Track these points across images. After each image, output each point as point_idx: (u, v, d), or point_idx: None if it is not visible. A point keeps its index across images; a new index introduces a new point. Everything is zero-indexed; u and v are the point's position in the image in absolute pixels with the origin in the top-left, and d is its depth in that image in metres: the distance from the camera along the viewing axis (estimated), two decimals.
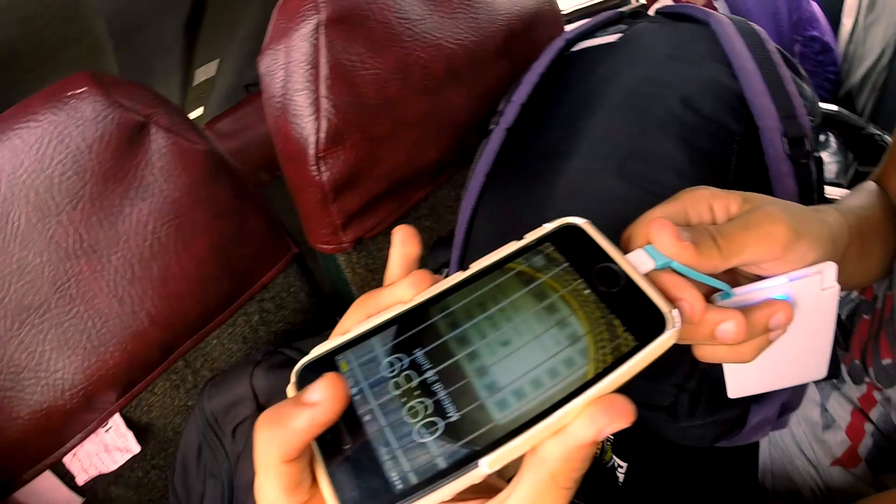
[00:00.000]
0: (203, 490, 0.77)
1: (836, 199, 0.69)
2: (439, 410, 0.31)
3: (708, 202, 0.42)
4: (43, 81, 1.34)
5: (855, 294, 0.75)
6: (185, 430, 0.80)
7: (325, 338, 0.84)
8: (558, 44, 0.81)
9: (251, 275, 0.83)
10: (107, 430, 0.77)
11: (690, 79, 0.67)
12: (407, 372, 0.33)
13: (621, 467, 0.71)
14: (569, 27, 0.87)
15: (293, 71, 0.73)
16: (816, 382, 0.72)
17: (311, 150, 0.74)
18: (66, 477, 0.79)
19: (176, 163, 0.73)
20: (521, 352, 0.33)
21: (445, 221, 0.94)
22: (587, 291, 0.35)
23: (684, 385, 0.62)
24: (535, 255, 0.36)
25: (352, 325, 0.35)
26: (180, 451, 0.80)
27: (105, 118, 0.69)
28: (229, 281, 0.80)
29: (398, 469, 0.30)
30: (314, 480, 0.32)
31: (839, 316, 0.67)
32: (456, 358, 0.33)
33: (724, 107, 0.65)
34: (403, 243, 0.38)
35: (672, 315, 0.34)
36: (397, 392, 0.32)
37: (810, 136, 0.63)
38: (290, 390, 0.33)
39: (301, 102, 0.73)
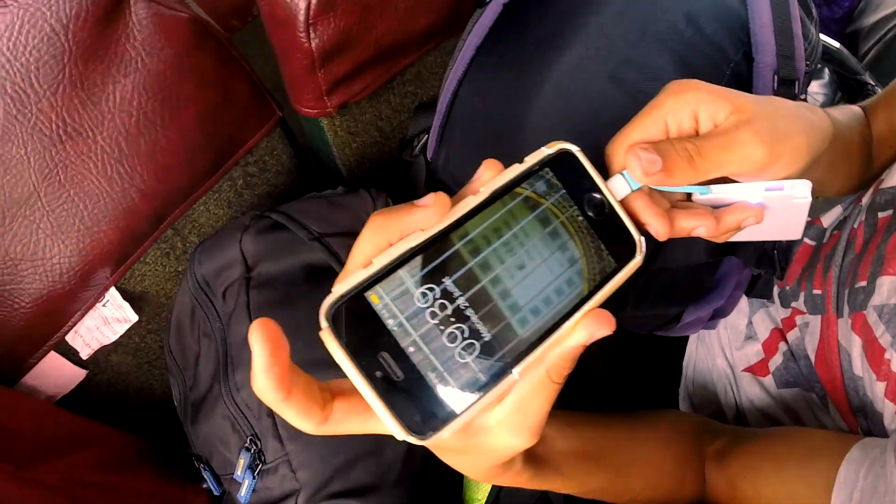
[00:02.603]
0: (198, 349, 0.84)
1: None
2: (474, 333, 0.37)
3: (692, 110, 0.45)
4: None
5: None
6: (178, 294, 0.86)
7: (307, 201, 0.87)
8: None
9: (236, 141, 0.85)
10: (104, 305, 0.83)
11: None
12: (440, 301, 0.37)
13: None
14: None
15: None
16: (749, 298, 0.84)
17: (302, 17, 0.75)
18: (70, 353, 0.85)
19: (158, 34, 0.72)
20: (534, 274, 0.39)
21: (429, 87, 0.98)
22: (580, 218, 0.42)
23: (635, 281, 0.73)
24: (537, 179, 0.41)
25: (370, 251, 0.37)
26: (174, 314, 0.86)
27: None
28: (215, 148, 0.83)
29: (448, 389, 0.36)
30: (329, 399, 0.36)
31: (780, 244, 0.78)
32: (482, 283, 0.38)
33: (726, 31, 0.68)
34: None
35: (640, 242, 0.43)
36: (434, 321, 0.36)
37: (801, 81, 0.68)
38: (325, 335, 0.34)
39: None
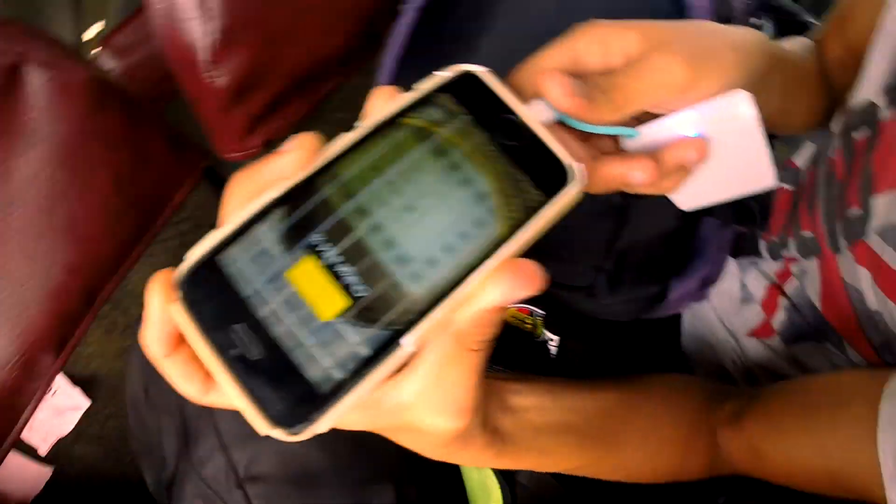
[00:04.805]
0: (159, 426, 0.83)
1: None
2: (349, 294, 0.32)
3: (604, 42, 0.43)
4: None
5: None
6: (128, 372, 0.85)
7: None
8: None
9: (160, 199, 0.85)
10: (53, 394, 0.82)
11: None
12: (304, 258, 0.32)
13: (552, 341, 0.79)
14: None
15: None
16: (736, 258, 0.81)
17: (203, 56, 0.76)
18: (30, 451, 0.85)
19: (58, 100, 0.73)
20: (427, 216, 0.34)
21: (359, 111, 0.97)
22: (490, 145, 0.36)
23: (601, 266, 0.71)
24: (431, 107, 0.37)
25: (232, 213, 0.34)
26: (128, 395, 0.85)
27: None
28: (138, 211, 0.83)
29: (319, 367, 0.31)
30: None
31: (757, 198, 0.75)
32: (358, 233, 0.33)
33: None
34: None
35: (576, 168, 0.36)
36: (299, 284, 0.32)
37: (739, 20, 0.69)
38: (174, 308, 0.32)
39: (185, 4, 0.74)
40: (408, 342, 0.32)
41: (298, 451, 0.72)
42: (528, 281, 0.32)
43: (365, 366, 0.31)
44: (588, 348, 0.82)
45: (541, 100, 0.40)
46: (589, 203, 0.44)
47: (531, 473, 0.73)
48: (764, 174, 0.50)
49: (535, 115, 0.38)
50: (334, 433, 0.74)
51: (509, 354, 0.77)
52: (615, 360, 0.84)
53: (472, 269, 0.33)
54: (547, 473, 0.73)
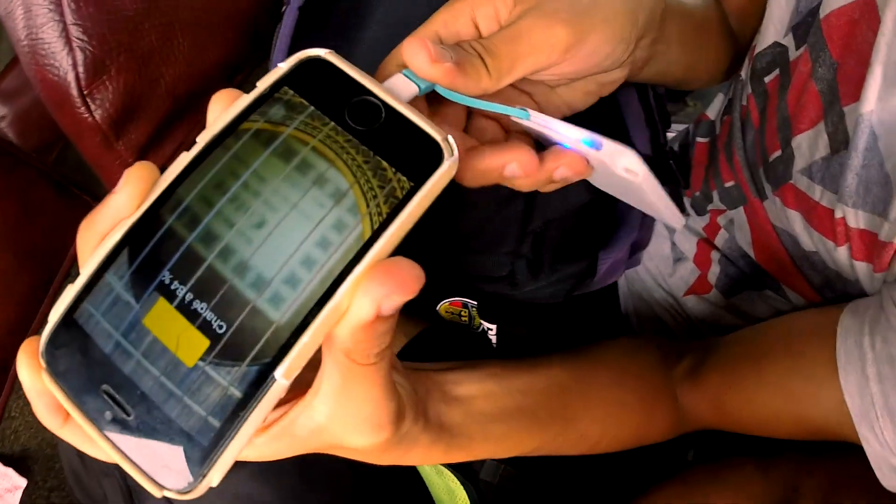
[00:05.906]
0: (103, 492, 0.80)
1: None
2: (209, 332, 0.30)
3: (469, 15, 0.41)
4: None
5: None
6: (59, 442, 0.82)
7: None
8: None
9: (56, 250, 0.82)
10: None
11: None
12: (157, 301, 0.30)
13: (491, 329, 0.76)
14: None
15: (32, 3, 0.69)
16: None
17: (74, 91, 0.72)
18: None
19: None
20: (280, 230, 0.31)
21: None
22: (342, 135, 0.33)
23: (518, 251, 0.68)
24: (272, 105, 0.33)
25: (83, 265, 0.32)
26: (65, 465, 0.82)
27: None
28: (34, 265, 0.79)
29: (195, 418, 0.29)
30: None
31: (674, 156, 0.73)
32: (207, 263, 0.30)
33: None
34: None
35: (449, 142, 0.33)
36: (157, 330, 0.30)
37: None
38: (45, 377, 0.31)
39: (48, 38, 0.70)
40: (280, 375, 0.29)
41: (245, 491, 0.69)
42: (401, 284, 0.29)
43: (241, 408, 0.29)
44: (529, 331, 0.80)
45: (401, 74, 0.37)
46: (494, 187, 0.41)
47: (493, 469, 0.72)
48: (668, 217, 0.47)
49: (392, 90, 0.35)
50: (275, 467, 0.72)
51: (449, 350, 0.75)
52: (558, 338, 0.82)
53: (339, 279, 0.30)
54: (507, 465, 0.72)
